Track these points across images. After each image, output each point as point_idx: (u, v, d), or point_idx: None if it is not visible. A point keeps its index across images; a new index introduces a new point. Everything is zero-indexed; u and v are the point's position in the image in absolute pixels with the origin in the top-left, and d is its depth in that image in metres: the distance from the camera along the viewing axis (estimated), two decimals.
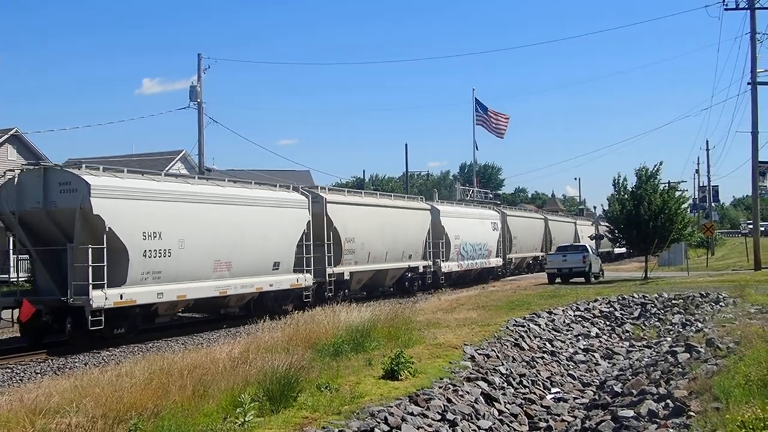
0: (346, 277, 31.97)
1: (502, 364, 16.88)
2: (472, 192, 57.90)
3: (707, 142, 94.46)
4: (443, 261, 40.60)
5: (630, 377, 15.98)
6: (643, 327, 25.44)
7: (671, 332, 23.44)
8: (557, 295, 30.47)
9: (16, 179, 21.82)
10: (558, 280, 40.21)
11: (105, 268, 20.39)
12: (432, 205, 41.76)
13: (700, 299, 27.61)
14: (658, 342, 21.88)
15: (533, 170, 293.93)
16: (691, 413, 10.70)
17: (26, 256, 25.94)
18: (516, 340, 19.93)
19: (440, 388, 13.57)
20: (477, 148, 68.52)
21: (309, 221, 29.39)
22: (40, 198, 21.10)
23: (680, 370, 14.19)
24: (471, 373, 15.25)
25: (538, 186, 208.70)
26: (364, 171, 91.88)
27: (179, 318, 27.23)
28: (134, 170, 24.43)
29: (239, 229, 25.63)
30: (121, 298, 20.96)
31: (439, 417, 12.21)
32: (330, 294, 30.17)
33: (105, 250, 20.50)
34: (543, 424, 13.94)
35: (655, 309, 27.10)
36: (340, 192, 35.78)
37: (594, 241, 65.59)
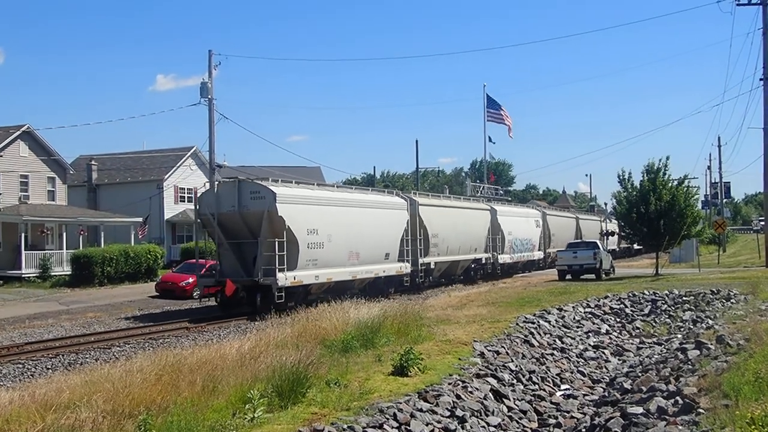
0: (432, 266, 38.34)
1: (512, 361, 16.87)
2: (483, 189, 57.83)
3: (719, 138, 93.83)
4: (499, 254, 46.57)
5: (640, 374, 15.94)
6: (654, 324, 25.37)
7: (682, 329, 23.38)
8: (567, 291, 30.42)
9: (215, 189, 29.19)
10: (568, 276, 40.12)
11: (285, 256, 27.13)
12: (491, 206, 48.21)
13: (711, 296, 27.53)
14: (669, 339, 21.83)
15: (544, 166, 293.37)
16: (701, 410, 10.67)
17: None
18: (526, 336, 19.91)
19: (449, 384, 13.57)
20: (493, 142, 68.41)
21: (408, 220, 35.89)
22: (234, 203, 27.90)
23: (690, 367, 14.14)
24: (480, 370, 15.25)
25: (549, 182, 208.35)
26: (374, 167, 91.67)
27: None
28: (299, 181, 32.27)
29: (363, 226, 32.34)
30: (294, 279, 27.85)
31: (448, 413, 12.22)
32: (421, 279, 37.26)
33: (285, 242, 27.26)
34: (552, 421, 13.92)
35: (666, 306, 27.02)
36: (426, 195, 42.95)
37: (603, 237, 65.45)
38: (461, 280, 42.96)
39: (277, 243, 26.88)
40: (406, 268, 35.27)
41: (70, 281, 41.12)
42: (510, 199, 68.11)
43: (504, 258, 47.34)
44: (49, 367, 18.71)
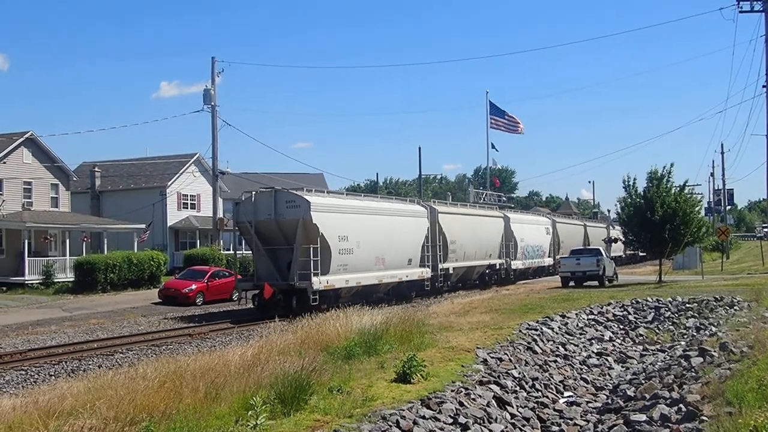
0: (451, 271, 40.26)
1: (515, 368, 16.84)
2: (486, 195, 57.88)
3: (722, 145, 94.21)
4: (512, 260, 48.67)
5: (643, 381, 15.92)
6: (657, 331, 25.33)
7: (685, 336, 23.33)
8: (570, 298, 30.39)
9: (252, 198, 30.72)
10: (571, 283, 40.08)
11: (319, 261, 29.08)
12: (504, 213, 50.30)
13: (715, 303, 27.47)
14: (672, 346, 21.79)
15: (547, 173, 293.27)
16: (704, 418, 10.66)
17: None
18: (529, 343, 19.88)
19: (452, 391, 13.55)
20: (496, 149, 68.57)
21: (428, 227, 37.93)
22: (271, 212, 29.89)
23: (693, 374, 14.13)
24: (483, 377, 15.22)
25: (552, 189, 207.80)
26: (377, 174, 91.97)
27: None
28: (331, 191, 35.94)
29: (388, 233, 34.35)
30: (327, 283, 29.70)
31: (451, 420, 12.19)
32: (440, 284, 38.84)
33: (319, 248, 29.14)
34: (555, 428, 13.89)
35: (669, 313, 26.98)
36: (444, 204, 44.49)
37: (607, 244, 65.45)
38: (477, 285, 44.52)
39: (311, 249, 28.87)
40: (427, 273, 37.30)
41: (73, 288, 41.15)
42: (513, 206, 68.11)
43: (516, 264, 49.42)
44: (52, 373, 18.74)
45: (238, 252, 47.97)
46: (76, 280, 41.51)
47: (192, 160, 59.17)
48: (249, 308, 31.51)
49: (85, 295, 39.68)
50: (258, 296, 30.37)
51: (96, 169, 58.61)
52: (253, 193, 31.20)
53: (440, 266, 38.75)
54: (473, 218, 44.56)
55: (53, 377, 18.01)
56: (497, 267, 46.74)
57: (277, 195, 30.21)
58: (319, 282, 29.01)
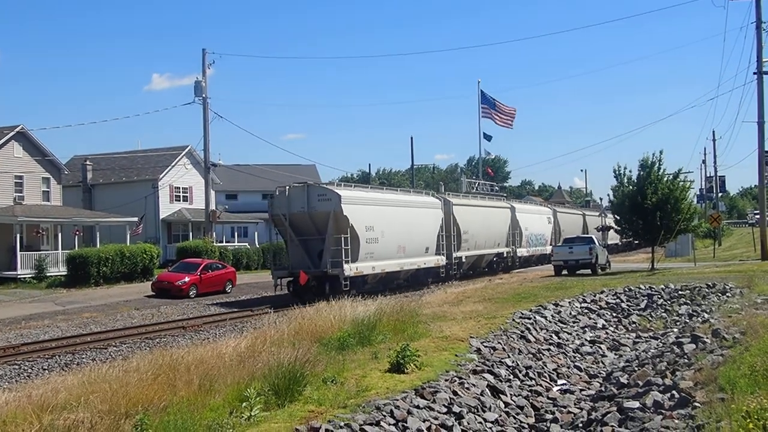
0: (463, 259, 43.20)
1: (509, 357, 16.88)
2: (478, 185, 57.93)
3: (714, 132, 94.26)
4: (517, 248, 51.42)
5: (636, 368, 15.95)
6: (650, 318, 25.38)
7: (678, 323, 23.40)
8: (563, 287, 30.43)
9: (286, 192, 33.04)
10: (564, 271, 40.13)
11: (349, 250, 31.63)
12: (511, 204, 53.30)
13: (707, 290, 27.53)
14: (665, 333, 21.85)
15: (540, 162, 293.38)
16: (697, 404, 10.70)
17: None
18: (522, 332, 19.92)
19: (446, 380, 13.58)
20: (488, 139, 68.66)
21: (443, 218, 40.65)
22: (304, 204, 32.33)
23: (686, 361, 14.17)
24: (477, 366, 15.26)
25: (544, 178, 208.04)
26: (370, 165, 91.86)
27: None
28: (358, 185, 39.74)
29: (408, 224, 36.90)
30: (356, 269, 32.43)
31: (445, 410, 12.23)
32: (454, 271, 41.71)
33: (349, 238, 31.67)
34: (549, 416, 13.93)
35: (662, 300, 27.04)
36: (457, 196, 46.79)
37: (601, 232, 65.70)
38: (486, 272, 47.12)
39: (342, 238, 31.45)
40: (442, 260, 40.16)
41: (66, 282, 41.05)
42: (505, 195, 68.07)
43: (522, 252, 52.26)
44: (46, 367, 18.72)
45: (230, 244, 51.75)
46: (68, 273, 41.38)
47: (184, 152, 59.01)
48: (283, 294, 33.15)
49: (78, 288, 39.58)
50: (293, 283, 32.39)
51: (87, 162, 58.41)
52: (287, 187, 33.34)
53: (454, 254, 41.56)
54: (484, 209, 47.45)
55: (46, 371, 17.98)
56: (504, 255, 49.61)
57: (310, 189, 32.77)
58: (349, 269, 31.70)
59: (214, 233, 52.31)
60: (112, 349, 21.36)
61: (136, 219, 49.82)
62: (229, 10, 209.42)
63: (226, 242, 58.31)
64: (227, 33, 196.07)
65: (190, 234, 56.92)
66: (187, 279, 36.45)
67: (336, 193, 32.13)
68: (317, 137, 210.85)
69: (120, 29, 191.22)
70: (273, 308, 27.40)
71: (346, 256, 31.41)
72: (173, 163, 57.88)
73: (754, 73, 41.42)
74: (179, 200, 58.71)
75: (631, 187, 38.81)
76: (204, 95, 48.14)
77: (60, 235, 45.16)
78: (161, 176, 56.42)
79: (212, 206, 52.17)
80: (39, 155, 48.26)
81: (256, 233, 64.34)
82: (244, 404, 10.54)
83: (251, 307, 30.98)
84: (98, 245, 45.03)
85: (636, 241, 65.08)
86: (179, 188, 58.59)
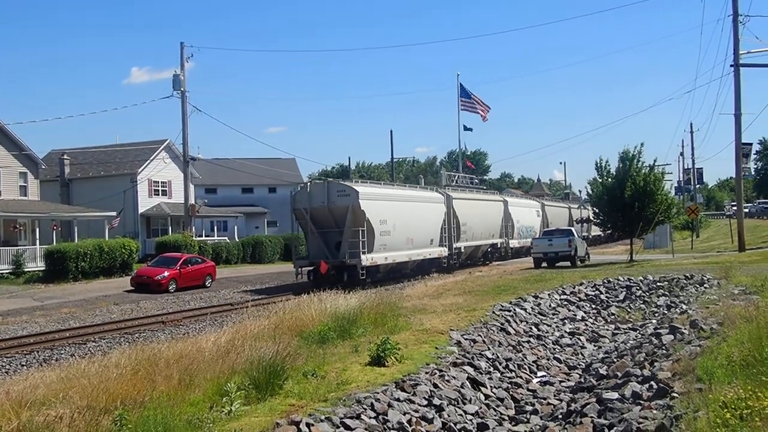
0: (462, 250, 46.38)
1: (489, 349, 16.94)
2: (458, 178, 58.03)
3: (691, 124, 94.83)
4: (510, 239, 54.77)
5: (615, 360, 16.06)
6: (629, 310, 25.54)
7: (656, 314, 23.54)
8: (543, 279, 30.56)
9: (308, 188, 36.90)
10: (544, 264, 40.29)
11: (366, 242, 34.63)
12: (503, 198, 57.24)
13: (685, 281, 27.73)
14: (643, 324, 21.97)
15: (519, 155, 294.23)
16: (675, 394, 10.78)
17: None
18: (502, 324, 19.99)
19: (426, 373, 13.61)
20: (469, 129, 68.80)
21: (445, 212, 43.75)
22: (324, 200, 35.42)
23: (664, 351, 14.27)
24: (457, 358, 15.30)
25: (524, 171, 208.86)
26: (349, 158, 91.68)
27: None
28: (372, 182, 43.34)
29: (415, 217, 40.07)
30: (372, 260, 35.45)
31: (425, 402, 12.26)
32: (454, 261, 44.77)
33: (365, 231, 34.66)
34: (529, 408, 13.98)
35: (641, 291, 27.21)
36: (456, 190, 49.85)
37: (580, 224, 66.20)
38: (481, 261, 50.50)
39: (360, 231, 34.46)
40: (444, 251, 43.46)
41: (44, 277, 40.74)
42: (485, 188, 68.23)
43: (513, 243, 55.46)
44: (24, 363, 18.60)
45: (210, 238, 54.19)
46: (46, 269, 41.08)
47: (162, 146, 58.69)
48: (302, 282, 35.92)
49: (57, 284, 39.32)
50: (314, 272, 35.14)
51: (65, 156, 57.94)
52: (308, 183, 37.29)
53: (454, 245, 44.69)
54: (480, 203, 50.95)
55: (25, 367, 17.86)
56: (498, 246, 52.90)
57: (330, 185, 36.38)
58: (366, 259, 34.68)
59: (193, 227, 52.09)
60: (91, 344, 21.24)
61: (114, 213, 49.52)
62: (212, 4, 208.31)
63: (205, 236, 58.06)
64: (210, 26, 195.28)
65: (170, 228, 56.67)
66: (166, 273, 36.30)
67: (354, 189, 35.36)
68: (298, 131, 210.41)
69: (100, 22, 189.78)
70: (294, 294, 30.11)
71: (363, 248, 34.44)
72: (152, 157, 57.53)
73: (731, 66, 41.70)
74: (158, 194, 58.39)
75: (610, 180, 39.09)
76: (182, 89, 47.86)
77: (38, 230, 44.78)
78: (140, 170, 56.07)
79: (191, 200, 51.95)
80: (16, 150, 47.82)
81: (235, 227, 64.15)
82: (224, 399, 10.51)
83: (276, 294, 33.74)
84: (76, 240, 44.68)
85: (615, 233, 65.85)
86: (158, 182, 58.28)
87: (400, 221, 38.05)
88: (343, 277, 33.85)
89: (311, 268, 35.47)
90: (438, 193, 45.13)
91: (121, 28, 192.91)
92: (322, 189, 35.89)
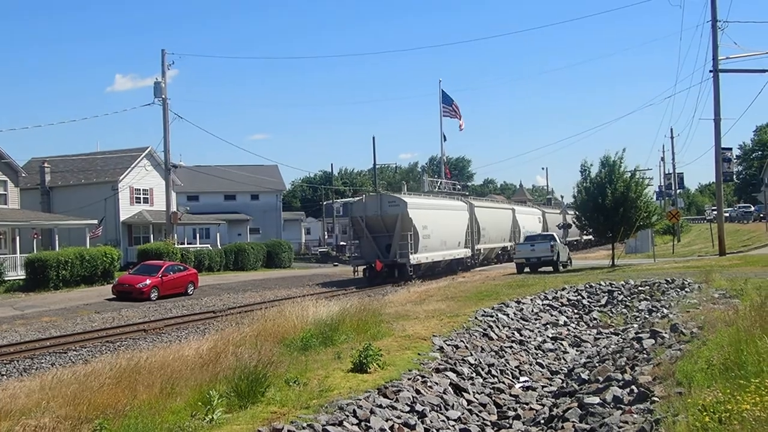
0: (482, 251, 53.97)
1: (471, 355, 16.97)
2: (440, 184, 58.10)
3: (671, 129, 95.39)
4: (517, 243, 55.76)
5: (597, 364, 16.12)
6: (611, 314, 25.65)
7: (638, 319, 23.65)
8: (525, 284, 30.66)
9: (363, 200, 45.28)
10: (526, 269, 40.39)
11: (413, 244, 41.43)
12: (512, 206, 65.68)
13: (666, 286, 27.90)
14: (625, 329, 22.08)
15: (502, 160, 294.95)
16: (655, 398, 10.84)
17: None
18: (485, 330, 20.03)
19: (409, 379, 13.62)
20: (445, 139, 68.97)
21: (468, 218, 50.66)
22: (377, 209, 42.66)
23: (645, 356, 14.35)
24: (440, 364, 15.32)
25: (506, 176, 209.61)
26: (332, 165, 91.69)
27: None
28: (414, 193, 49.00)
29: (447, 224, 46.73)
30: (417, 259, 42.23)
31: (408, 408, 12.26)
32: (475, 261, 52.17)
33: (412, 234, 41.50)
34: (512, 413, 14.02)
35: (622, 296, 27.35)
36: (477, 199, 59.88)
37: (562, 229, 66.63)
38: (495, 262, 57.25)
39: (408, 235, 41.29)
40: (468, 252, 50.35)
41: (25, 286, 40.42)
42: (468, 194, 68.34)
43: None
44: (4, 373, 18.45)
45: (192, 246, 56.40)
46: (27, 277, 40.75)
47: (144, 153, 58.43)
48: (358, 278, 43.07)
49: (37, 292, 39.03)
50: (369, 270, 42.28)
51: (45, 164, 57.57)
52: (363, 196, 45.88)
53: (476, 247, 51.66)
54: (496, 210, 59.27)
55: (5, 377, 17.72)
56: (508, 248, 58.47)
57: (382, 197, 44.03)
58: (413, 258, 41.50)
59: (175, 235, 51.90)
60: (72, 353, 21.11)
61: (95, 221, 49.25)
62: (197, 11, 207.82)
63: (188, 244, 57.89)
64: (195, 33, 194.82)
65: (152, 236, 56.39)
66: (148, 281, 36.13)
67: (403, 200, 42.50)
68: (281, 138, 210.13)
69: (83, 29, 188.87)
70: (357, 288, 38.37)
71: (411, 249, 41.16)
72: (133, 165, 57.28)
73: (710, 71, 42.00)
74: (140, 202, 58.13)
75: (591, 186, 39.32)
76: (163, 96, 47.72)
77: (18, 238, 44.49)
78: (121, 178, 55.80)
79: (173, 208, 51.73)
80: None
81: (218, 234, 63.96)
82: (206, 407, 10.48)
83: (342, 287, 39.75)
84: (57, 248, 44.38)
85: (597, 238, 66.26)
86: (140, 190, 58.02)
87: (436, 226, 44.44)
88: (395, 274, 41.42)
89: (365, 267, 42.48)
90: (462, 202, 52.10)
91: (105, 35, 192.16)
92: (376, 200, 43.56)
